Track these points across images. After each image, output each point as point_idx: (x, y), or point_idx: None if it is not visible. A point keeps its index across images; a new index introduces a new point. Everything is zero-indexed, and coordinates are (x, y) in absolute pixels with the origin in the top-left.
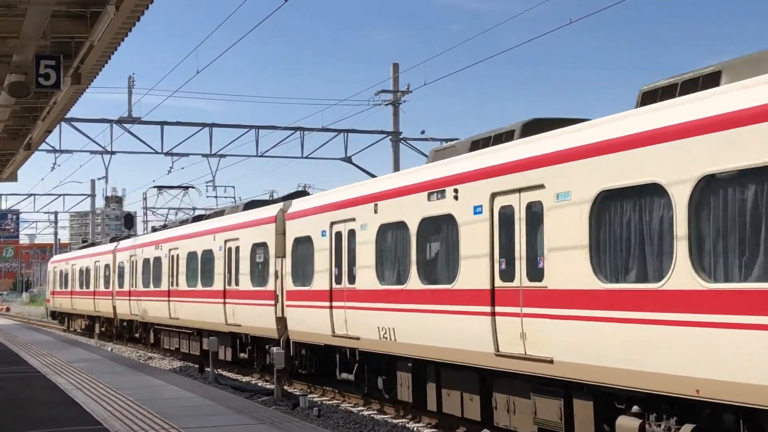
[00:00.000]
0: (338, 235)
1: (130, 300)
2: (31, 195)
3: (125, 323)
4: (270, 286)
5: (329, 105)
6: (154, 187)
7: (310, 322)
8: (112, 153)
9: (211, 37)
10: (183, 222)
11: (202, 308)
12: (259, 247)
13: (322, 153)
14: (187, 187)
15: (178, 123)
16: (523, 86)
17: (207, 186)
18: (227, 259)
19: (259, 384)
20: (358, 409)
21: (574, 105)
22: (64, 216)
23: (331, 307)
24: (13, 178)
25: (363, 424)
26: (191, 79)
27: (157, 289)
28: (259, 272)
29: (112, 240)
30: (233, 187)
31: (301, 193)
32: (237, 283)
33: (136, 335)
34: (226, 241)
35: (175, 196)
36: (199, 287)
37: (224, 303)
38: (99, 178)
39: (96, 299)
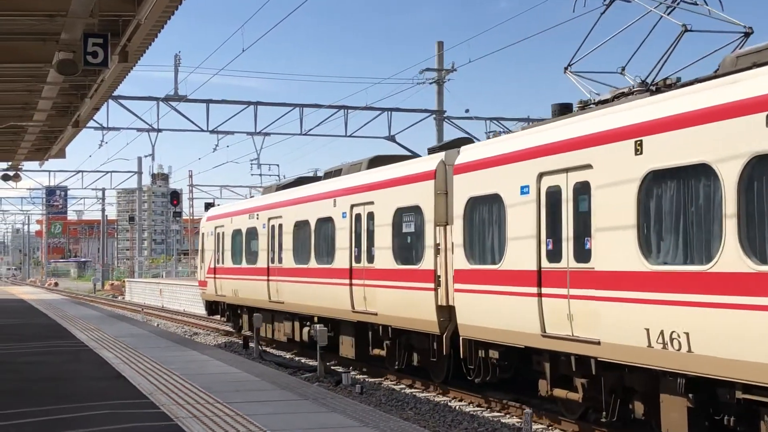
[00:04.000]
0: None
1: (569, 298)
2: (79, 172)
3: (497, 357)
4: None
5: (373, 83)
6: None
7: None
8: (159, 130)
9: (257, 15)
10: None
11: None
12: None
13: (365, 132)
14: None
15: (223, 101)
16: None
17: (251, 164)
18: None
19: (302, 361)
20: (400, 386)
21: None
22: (111, 193)
23: None
24: (61, 155)
25: (405, 401)
26: (237, 58)
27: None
28: None
29: (370, 160)
30: (277, 165)
31: None
32: None
33: (570, 396)
34: None
35: None
36: None
37: None
38: (146, 156)
39: (360, 287)
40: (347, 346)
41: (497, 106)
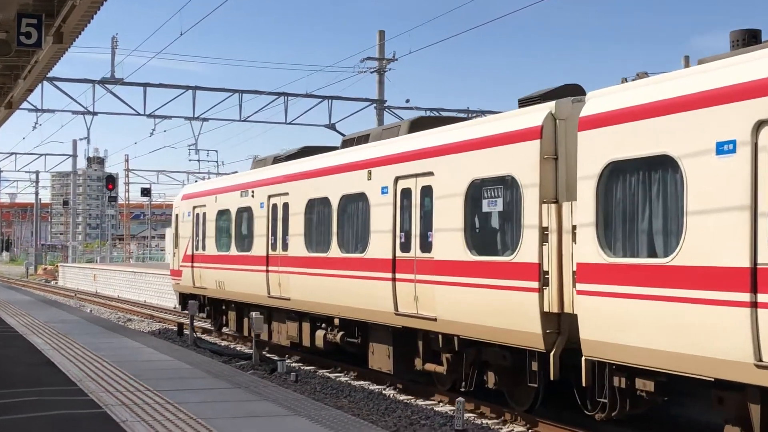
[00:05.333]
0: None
1: None
2: (12, 154)
3: (651, 389)
4: None
5: (314, 71)
6: None
7: None
8: (94, 114)
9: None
10: None
11: None
12: None
13: (305, 119)
14: None
15: (161, 85)
16: (513, 55)
17: (189, 149)
18: None
19: (237, 348)
20: (336, 375)
21: (563, 76)
22: (45, 176)
23: None
24: None
25: (340, 389)
26: (175, 41)
27: None
28: None
29: (413, 122)
30: (216, 151)
31: None
32: None
33: None
34: None
35: None
36: None
37: None
38: (81, 139)
39: (408, 282)
40: (381, 357)
41: (437, 96)
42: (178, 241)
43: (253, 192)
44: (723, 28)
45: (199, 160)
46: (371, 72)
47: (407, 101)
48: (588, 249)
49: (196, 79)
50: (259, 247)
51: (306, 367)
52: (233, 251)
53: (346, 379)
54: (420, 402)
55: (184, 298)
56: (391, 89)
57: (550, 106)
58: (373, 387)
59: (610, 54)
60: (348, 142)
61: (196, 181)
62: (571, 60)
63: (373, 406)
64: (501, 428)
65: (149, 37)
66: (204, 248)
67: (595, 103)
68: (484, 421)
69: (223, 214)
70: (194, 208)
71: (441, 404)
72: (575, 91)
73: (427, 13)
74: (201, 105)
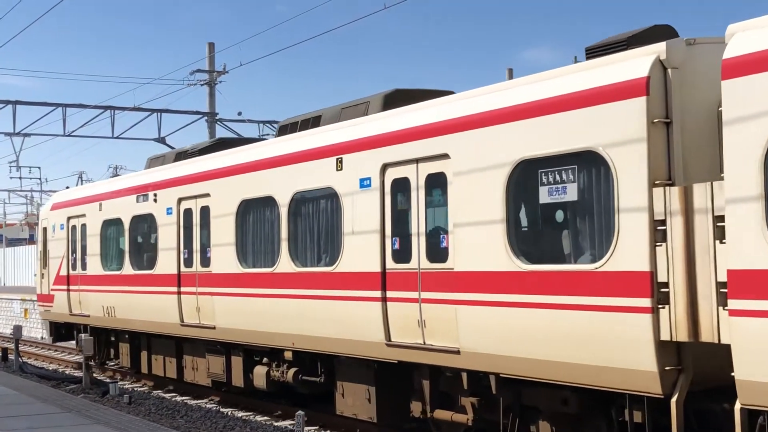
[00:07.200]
0: None
1: None
2: None
3: None
4: None
5: (142, 84)
6: None
7: None
8: None
9: (14, 10)
10: None
11: None
12: None
13: (134, 133)
14: None
15: None
16: (345, 68)
17: (10, 166)
18: None
19: (67, 372)
20: (171, 395)
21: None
22: None
23: None
24: None
25: (176, 410)
26: None
27: None
28: None
29: (387, 95)
30: (39, 167)
31: None
32: None
33: None
34: None
35: None
36: None
37: None
38: None
39: (408, 303)
40: (357, 400)
41: (269, 109)
42: (47, 261)
43: (155, 195)
44: (551, 43)
45: (20, 178)
46: (201, 84)
47: (239, 114)
48: (751, 249)
49: (16, 93)
50: (166, 264)
51: (140, 389)
52: (128, 270)
53: (182, 399)
54: (259, 418)
55: (57, 329)
56: (223, 102)
57: (657, 49)
58: (210, 405)
59: (438, 62)
60: (288, 128)
61: (54, 193)
62: (404, 72)
63: (211, 424)
64: None
65: None
66: (85, 267)
67: (752, 37)
68: None
69: (111, 224)
70: (69, 219)
71: (280, 419)
72: (668, 34)
73: (257, 25)
74: (22, 120)
